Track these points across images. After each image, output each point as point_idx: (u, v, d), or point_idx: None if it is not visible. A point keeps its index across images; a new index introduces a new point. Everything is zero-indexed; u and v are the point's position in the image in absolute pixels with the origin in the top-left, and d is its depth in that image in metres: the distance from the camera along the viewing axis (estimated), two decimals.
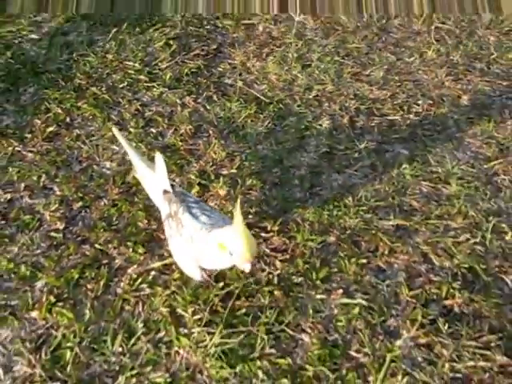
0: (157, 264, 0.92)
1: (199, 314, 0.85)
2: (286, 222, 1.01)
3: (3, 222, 0.98)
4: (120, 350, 0.81)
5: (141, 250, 0.94)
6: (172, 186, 0.87)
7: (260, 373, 0.80)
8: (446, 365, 0.82)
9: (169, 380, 0.79)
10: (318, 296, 0.90)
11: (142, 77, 1.33)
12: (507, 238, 1.02)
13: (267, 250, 0.96)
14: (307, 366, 0.81)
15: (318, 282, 0.92)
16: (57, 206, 1.01)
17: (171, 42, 1.45)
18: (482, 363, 0.83)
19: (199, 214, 0.83)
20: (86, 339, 0.82)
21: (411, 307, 0.89)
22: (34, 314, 0.84)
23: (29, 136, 1.15)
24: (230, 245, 0.74)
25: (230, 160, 1.13)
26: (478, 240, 1.01)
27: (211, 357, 0.80)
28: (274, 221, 1.00)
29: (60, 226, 0.97)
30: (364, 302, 0.89)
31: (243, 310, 0.86)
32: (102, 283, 0.89)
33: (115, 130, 0.94)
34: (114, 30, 1.47)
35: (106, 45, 1.42)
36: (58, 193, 1.04)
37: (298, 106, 1.29)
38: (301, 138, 1.20)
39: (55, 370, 0.79)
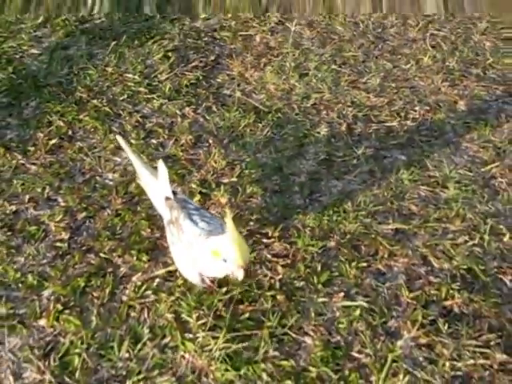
0: (161, 271, 0.96)
1: (203, 319, 0.89)
2: (286, 228, 1.05)
3: (9, 233, 1.02)
4: (127, 355, 0.86)
5: (145, 258, 0.99)
6: (174, 193, 0.92)
7: (264, 375, 0.84)
8: (447, 363, 0.86)
9: None
10: (320, 299, 0.94)
11: (141, 89, 1.39)
12: (505, 239, 1.06)
13: (269, 256, 1.00)
14: (310, 368, 0.85)
15: (320, 286, 0.96)
16: (61, 216, 1.06)
17: (170, 54, 1.52)
18: (481, 361, 0.87)
19: (199, 220, 0.88)
20: (94, 345, 0.86)
21: (411, 308, 0.94)
22: (42, 321, 0.89)
23: (32, 149, 1.20)
24: (223, 251, 0.80)
25: (231, 169, 1.18)
26: (476, 242, 1.05)
27: (216, 360, 0.84)
28: (275, 227, 1.05)
29: (65, 236, 1.02)
30: (365, 304, 0.93)
31: (246, 315, 0.91)
32: (107, 291, 0.93)
33: (120, 139, 1.00)
34: (113, 43, 1.53)
35: (105, 58, 1.49)
36: (63, 204, 1.09)
37: (296, 114, 1.35)
38: (300, 146, 1.26)
39: (64, 375, 0.83)
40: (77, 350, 0.85)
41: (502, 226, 1.09)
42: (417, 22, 1.71)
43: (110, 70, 1.44)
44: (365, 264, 1.00)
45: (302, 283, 0.96)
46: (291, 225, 1.06)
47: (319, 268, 0.99)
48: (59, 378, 0.82)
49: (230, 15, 1.69)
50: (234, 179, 1.16)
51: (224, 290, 0.93)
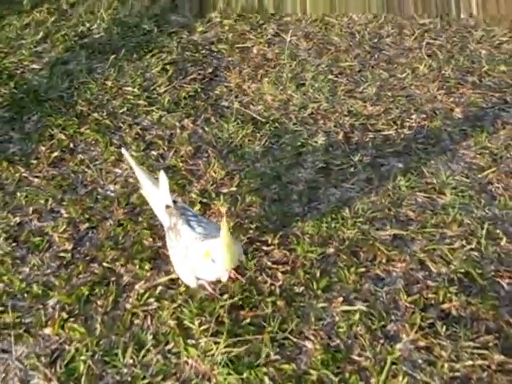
0: (163, 279, 1.01)
1: (206, 325, 0.94)
2: (286, 236, 1.10)
3: (14, 244, 1.08)
4: (131, 361, 0.90)
5: (147, 267, 1.04)
6: (175, 202, 0.99)
7: (266, 378, 0.88)
8: (446, 365, 0.91)
9: None
10: (320, 304, 0.99)
11: (141, 101, 1.45)
12: (502, 243, 1.11)
13: (269, 263, 1.05)
14: (311, 371, 0.89)
15: (319, 292, 1.01)
16: (65, 227, 1.11)
17: (168, 67, 1.58)
18: (480, 362, 0.91)
19: (196, 225, 0.94)
20: (98, 352, 0.91)
21: (410, 312, 0.98)
22: (48, 330, 0.94)
23: (35, 162, 1.26)
24: (213, 253, 0.86)
25: (230, 178, 1.24)
26: (473, 246, 1.10)
27: (218, 364, 0.89)
28: (275, 235, 1.10)
29: (68, 246, 1.07)
30: (364, 309, 0.98)
31: (248, 320, 0.95)
32: (111, 299, 0.98)
33: (124, 151, 1.07)
34: (113, 57, 1.60)
35: (105, 72, 1.55)
36: (66, 215, 1.14)
37: (294, 124, 1.40)
38: (298, 155, 1.31)
39: (70, 382, 0.87)
40: (82, 357, 0.90)
41: (498, 231, 1.13)
42: (413, 32, 1.78)
43: (109, 83, 1.51)
44: (363, 269, 1.05)
45: (301, 289, 1.01)
46: (290, 232, 1.11)
47: (318, 274, 1.03)
48: None
49: (227, 28, 1.76)
50: (234, 189, 1.21)
51: (225, 296, 0.98)
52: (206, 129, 1.38)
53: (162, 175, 0.98)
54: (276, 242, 1.09)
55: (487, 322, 0.97)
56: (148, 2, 1.87)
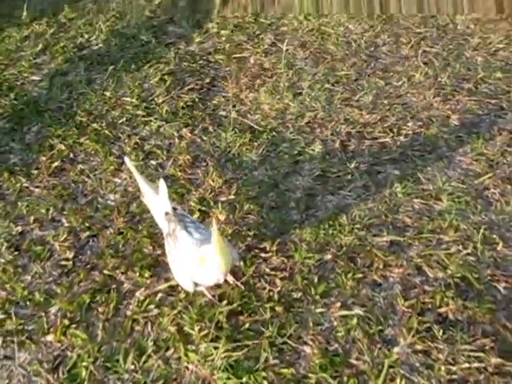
0: (163, 286, 1.05)
1: (205, 331, 0.97)
2: (284, 243, 1.14)
3: (16, 253, 1.12)
4: (132, 367, 0.93)
5: (147, 274, 1.07)
6: (174, 209, 1.03)
7: (265, 383, 0.91)
8: (443, 368, 0.94)
9: None
10: (318, 310, 1.02)
11: (139, 112, 1.50)
12: (498, 248, 1.15)
13: (267, 270, 1.09)
14: (310, 375, 0.93)
15: (317, 297, 1.04)
16: (65, 236, 1.15)
17: (166, 77, 1.63)
18: (476, 365, 0.94)
19: (193, 231, 0.99)
20: (100, 358, 0.94)
21: (407, 316, 1.02)
22: (50, 337, 0.97)
23: (35, 172, 1.31)
24: (207, 258, 0.91)
25: (228, 187, 1.27)
26: (469, 251, 1.13)
27: (218, 369, 0.92)
28: (273, 242, 1.14)
29: (69, 254, 1.11)
30: (362, 313, 1.01)
31: (247, 325, 0.99)
32: (112, 306, 1.01)
33: (127, 160, 1.12)
34: (111, 68, 1.65)
35: (103, 83, 1.60)
36: (66, 224, 1.18)
37: (291, 132, 1.45)
38: (295, 163, 1.35)
39: None
40: (84, 363, 0.93)
41: (495, 236, 1.17)
42: (409, 40, 1.83)
43: (108, 94, 1.55)
44: (361, 275, 1.08)
45: (299, 295, 1.04)
46: (288, 239, 1.15)
47: (316, 280, 1.07)
48: None
49: (224, 38, 1.81)
50: (232, 197, 1.25)
51: (224, 302, 1.01)
52: (204, 138, 1.42)
53: (161, 183, 1.02)
54: (274, 248, 1.12)
55: (484, 326, 1.00)
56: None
